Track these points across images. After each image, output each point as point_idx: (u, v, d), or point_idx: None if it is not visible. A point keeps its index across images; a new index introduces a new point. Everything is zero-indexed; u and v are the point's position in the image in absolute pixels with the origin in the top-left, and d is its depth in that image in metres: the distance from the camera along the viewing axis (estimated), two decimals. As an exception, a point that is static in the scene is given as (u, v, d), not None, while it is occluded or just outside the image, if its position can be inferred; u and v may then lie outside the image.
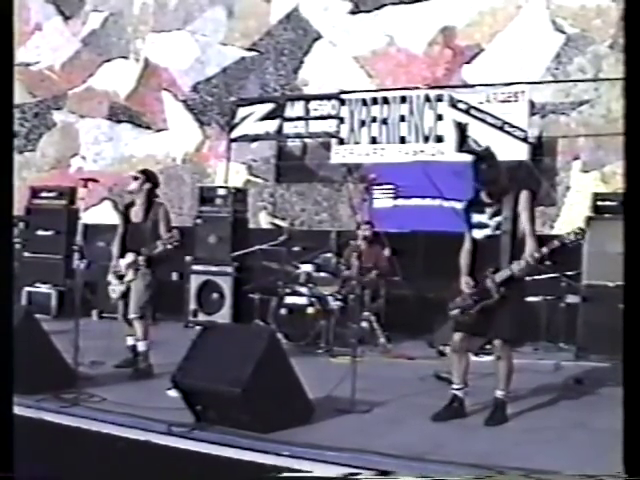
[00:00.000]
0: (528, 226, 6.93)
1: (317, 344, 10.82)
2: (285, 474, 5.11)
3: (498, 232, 6.94)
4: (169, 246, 8.81)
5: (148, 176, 9.40)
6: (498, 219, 6.95)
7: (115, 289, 9.18)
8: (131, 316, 9.06)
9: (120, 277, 9.10)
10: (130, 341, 9.26)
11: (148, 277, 9.10)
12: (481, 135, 12.25)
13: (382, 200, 13.16)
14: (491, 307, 6.90)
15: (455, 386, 7.22)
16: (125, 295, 9.11)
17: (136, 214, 9.27)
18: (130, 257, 9.03)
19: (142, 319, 9.09)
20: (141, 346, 9.12)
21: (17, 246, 14.04)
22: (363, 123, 13.34)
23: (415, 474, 5.18)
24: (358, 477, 5.08)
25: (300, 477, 5.10)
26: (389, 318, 11.58)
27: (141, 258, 8.94)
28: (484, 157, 7.25)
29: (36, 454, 6.16)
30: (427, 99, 12.85)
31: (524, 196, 6.97)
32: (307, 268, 11.66)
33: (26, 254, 14.14)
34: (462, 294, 7.07)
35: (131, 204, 9.40)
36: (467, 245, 7.22)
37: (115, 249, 9.34)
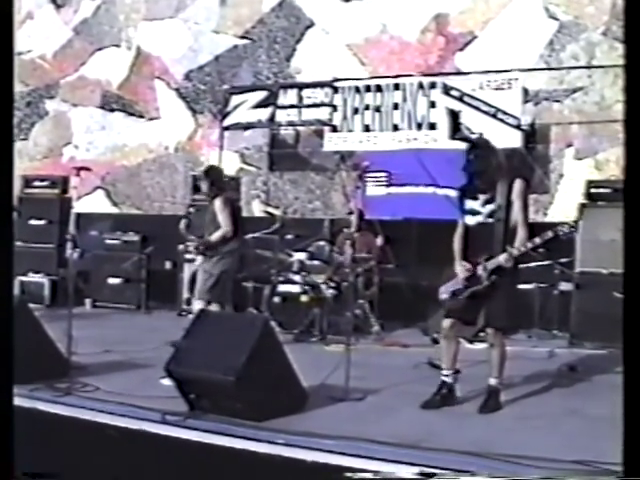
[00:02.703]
0: (520, 215, 6.93)
1: (311, 332, 10.85)
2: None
3: (490, 220, 6.94)
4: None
5: (208, 174, 9.60)
6: (491, 207, 6.95)
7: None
8: (195, 302, 9.20)
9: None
10: None
11: (208, 265, 9.14)
12: (474, 122, 12.25)
13: (375, 188, 13.18)
14: (481, 294, 6.92)
15: (444, 372, 7.24)
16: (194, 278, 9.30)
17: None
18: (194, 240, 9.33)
19: (210, 304, 9.10)
20: None
21: (9, 235, 14.04)
22: (356, 111, 13.31)
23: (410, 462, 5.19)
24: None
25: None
26: (383, 306, 11.61)
27: (193, 243, 9.11)
28: (479, 145, 7.26)
29: (29, 443, 6.17)
30: (420, 86, 12.82)
31: (518, 185, 6.97)
32: (300, 256, 11.67)
33: (19, 243, 14.09)
34: (454, 279, 7.09)
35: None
36: (460, 231, 7.22)
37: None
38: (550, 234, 6.71)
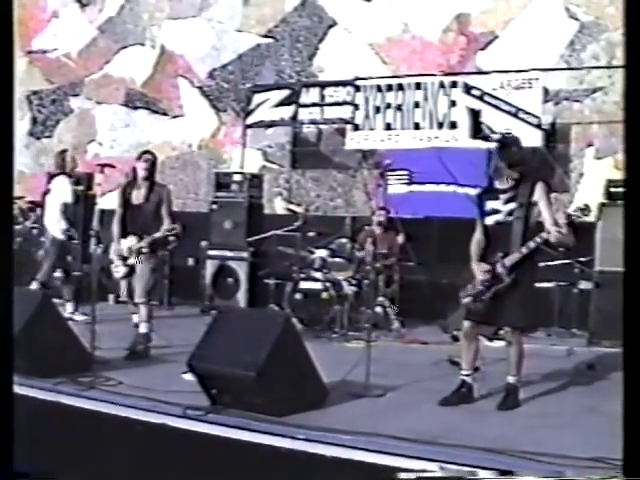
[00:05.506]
0: (547, 211, 6.93)
1: (332, 329, 10.87)
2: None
3: (510, 218, 6.97)
4: (171, 237, 8.95)
5: (155, 158, 9.46)
6: (512, 206, 6.97)
7: (119, 270, 9.22)
8: (137, 300, 9.18)
9: (124, 258, 9.16)
10: (136, 318, 9.35)
11: (153, 260, 9.16)
12: (495, 122, 12.28)
13: (396, 186, 13.24)
14: (502, 293, 6.95)
15: (464, 372, 7.27)
16: (129, 276, 9.17)
17: (137, 196, 9.28)
18: (132, 240, 9.12)
19: (148, 303, 9.19)
20: (143, 328, 9.22)
21: (35, 231, 14.14)
22: (378, 109, 13.35)
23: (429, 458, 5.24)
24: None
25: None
26: (403, 303, 11.64)
27: (144, 242, 9.02)
28: (509, 142, 7.29)
29: (53, 437, 6.27)
30: (441, 86, 12.85)
31: (540, 187, 6.98)
32: (322, 253, 11.70)
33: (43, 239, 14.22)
34: (474, 282, 7.12)
35: (131, 185, 9.37)
36: (478, 234, 7.23)
37: (115, 230, 9.33)
38: (564, 219, 6.72)
